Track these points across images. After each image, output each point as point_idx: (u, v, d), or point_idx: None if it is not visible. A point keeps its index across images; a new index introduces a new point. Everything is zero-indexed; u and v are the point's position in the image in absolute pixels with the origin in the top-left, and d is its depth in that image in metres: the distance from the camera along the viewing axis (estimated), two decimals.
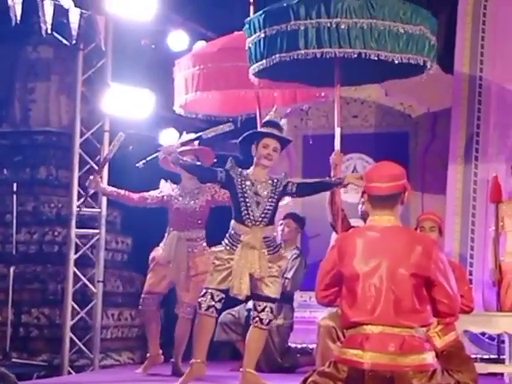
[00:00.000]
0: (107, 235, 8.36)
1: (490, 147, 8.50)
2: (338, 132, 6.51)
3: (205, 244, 7.10)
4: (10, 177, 8.84)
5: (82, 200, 7.78)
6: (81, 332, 8.01)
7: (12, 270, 8.15)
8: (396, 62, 6.18)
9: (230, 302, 6.16)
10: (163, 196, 7.20)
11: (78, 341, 7.86)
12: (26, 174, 9.14)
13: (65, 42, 7.85)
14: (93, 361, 7.91)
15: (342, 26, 6.04)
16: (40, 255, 8.74)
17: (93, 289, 8.00)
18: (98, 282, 7.99)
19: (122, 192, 7.18)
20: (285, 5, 6.22)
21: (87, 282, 8.02)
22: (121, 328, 8.85)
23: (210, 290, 5.87)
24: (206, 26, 9.50)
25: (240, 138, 6.08)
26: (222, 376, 7.04)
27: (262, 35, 6.30)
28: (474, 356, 7.05)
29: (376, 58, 6.14)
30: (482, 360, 7.66)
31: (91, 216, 8.17)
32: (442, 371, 3.89)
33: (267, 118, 6.16)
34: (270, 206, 5.93)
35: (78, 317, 7.95)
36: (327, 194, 6.33)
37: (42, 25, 7.08)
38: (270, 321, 5.96)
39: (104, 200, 8.02)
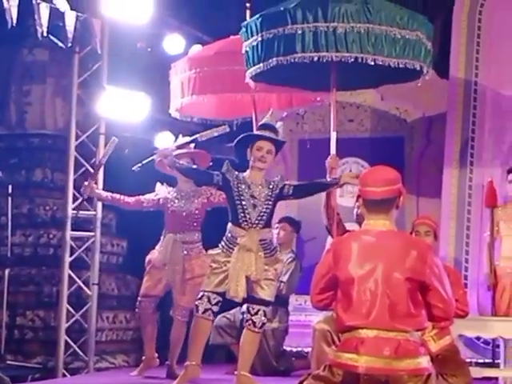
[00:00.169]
0: (102, 238, 8.35)
1: (485, 152, 8.52)
2: (333, 136, 6.52)
3: (201, 247, 7.11)
4: (6, 179, 8.80)
5: (76, 210, 7.78)
6: (76, 334, 8.00)
7: (7, 272, 8.12)
8: (392, 66, 6.20)
9: (225, 305, 6.16)
10: (159, 199, 7.20)
11: (72, 343, 7.86)
12: (22, 177, 9.13)
13: (60, 44, 7.84)
14: (87, 363, 7.91)
15: (339, 31, 6.06)
16: (35, 258, 8.72)
17: (88, 291, 7.99)
18: (93, 284, 7.98)
19: (118, 196, 7.19)
20: (282, 8, 6.23)
21: (82, 285, 8.02)
22: (116, 331, 8.84)
23: (206, 293, 5.88)
24: (202, 29, 9.50)
25: (234, 142, 6.09)
26: (216, 379, 7.04)
27: (259, 39, 6.31)
28: (468, 360, 7.06)
29: (373, 63, 6.15)
30: (477, 364, 7.67)
31: (86, 218, 8.15)
32: (437, 375, 3.92)
33: (263, 121, 6.17)
34: (267, 208, 5.94)
35: (73, 319, 7.93)
36: (323, 197, 6.34)
37: (38, 28, 7.08)
38: (264, 324, 5.96)
39: (99, 203, 8.02)
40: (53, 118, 9.47)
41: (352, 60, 6.14)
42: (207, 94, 7.72)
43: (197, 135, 6.63)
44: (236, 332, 7.54)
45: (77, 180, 7.95)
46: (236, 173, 5.99)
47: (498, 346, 7.40)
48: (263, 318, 5.91)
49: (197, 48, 8.64)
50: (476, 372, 6.26)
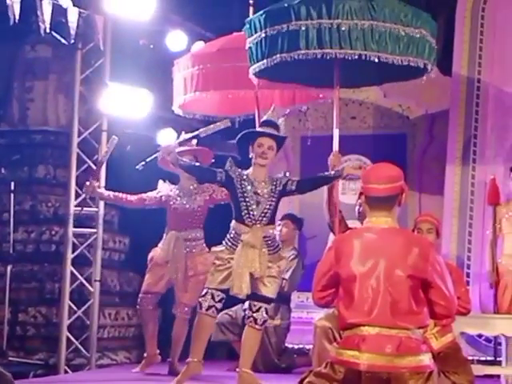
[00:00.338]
0: (104, 234, 8.36)
1: (488, 149, 8.51)
2: (336, 133, 6.51)
3: (203, 244, 7.11)
4: (8, 175, 8.83)
5: (81, 207, 7.78)
6: (77, 331, 8.00)
7: (9, 268, 8.14)
8: (396, 64, 6.18)
9: (227, 302, 6.15)
10: (161, 196, 7.20)
11: (74, 340, 7.86)
12: (24, 173, 9.14)
13: (63, 41, 7.84)
14: (89, 360, 7.91)
15: (343, 27, 6.04)
16: (37, 254, 8.74)
17: (90, 288, 7.99)
18: (95, 281, 7.98)
19: (120, 195, 7.17)
20: (286, 5, 6.22)
21: (84, 282, 8.02)
22: (117, 327, 8.85)
23: (210, 290, 5.88)
24: (205, 26, 9.50)
25: (236, 139, 6.09)
26: (218, 376, 7.04)
27: (263, 35, 6.29)
28: (470, 358, 7.08)
29: (376, 60, 6.14)
30: (479, 362, 7.68)
31: (88, 215, 8.15)
32: (439, 373, 3.92)
33: (265, 118, 6.17)
34: (270, 205, 5.94)
35: (75, 316, 7.94)
36: (325, 194, 6.33)
37: (41, 24, 7.08)
38: (265, 321, 5.95)
39: None
40: (55, 115, 9.47)
41: (356, 57, 6.12)
42: (210, 90, 7.72)
43: (198, 131, 6.62)
44: (238, 329, 7.54)
45: (79, 176, 7.96)
46: (239, 170, 5.99)
47: (499, 344, 7.40)
48: (265, 315, 5.91)
49: (199, 45, 8.65)
50: (478, 370, 6.25)
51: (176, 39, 9.15)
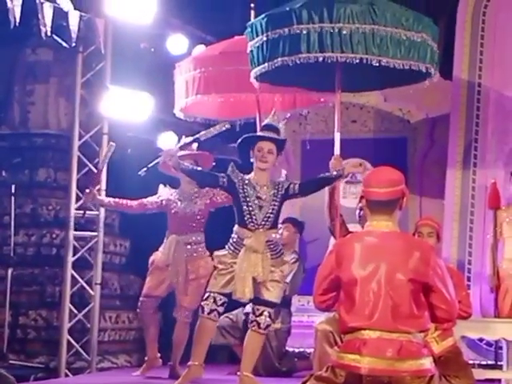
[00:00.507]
0: (105, 238, 8.36)
1: (489, 153, 8.52)
2: (337, 137, 6.51)
3: (204, 248, 7.11)
4: (9, 179, 8.82)
5: (83, 210, 7.78)
6: (78, 334, 8.00)
7: (10, 272, 8.13)
8: (398, 68, 6.18)
9: (228, 305, 6.16)
10: (162, 201, 7.20)
11: (75, 343, 7.86)
12: (25, 176, 9.14)
13: (64, 44, 7.85)
14: (90, 363, 7.91)
15: (344, 31, 6.04)
16: (38, 257, 8.73)
17: (90, 291, 8.00)
18: (96, 284, 7.98)
19: (121, 201, 7.16)
20: (287, 9, 6.22)
21: (85, 285, 8.02)
22: (118, 331, 8.84)
23: (212, 294, 5.89)
24: (206, 29, 9.50)
25: (237, 144, 6.09)
26: (219, 379, 7.05)
27: (265, 39, 6.29)
28: (471, 362, 7.06)
29: (377, 64, 6.14)
30: (480, 366, 7.67)
31: (89, 218, 8.15)
32: (440, 377, 3.91)
33: (265, 122, 6.17)
34: (273, 209, 5.95)
35: (76, 319, 7.94)
36: (326, 197, 6.33)
37: (42, 27, 7.09)
38: (268, 325, 5.96)
39: None
40: (56, 118, 9.47)
41: (357, 61, 6.12)
42: (211, 93, 7.71)
43: (199, 134, 6.62)
44: (238, 333, 7.55)
45: (80, 180, 7.96)
46: (241, 174, 6.00)
47: (500, 348, 7.40)
48: (268, 319, 5.91)
49: (200, 48, 8.65)
50: (479, 374, 6.26)
51: (177, 43, 9.15)
